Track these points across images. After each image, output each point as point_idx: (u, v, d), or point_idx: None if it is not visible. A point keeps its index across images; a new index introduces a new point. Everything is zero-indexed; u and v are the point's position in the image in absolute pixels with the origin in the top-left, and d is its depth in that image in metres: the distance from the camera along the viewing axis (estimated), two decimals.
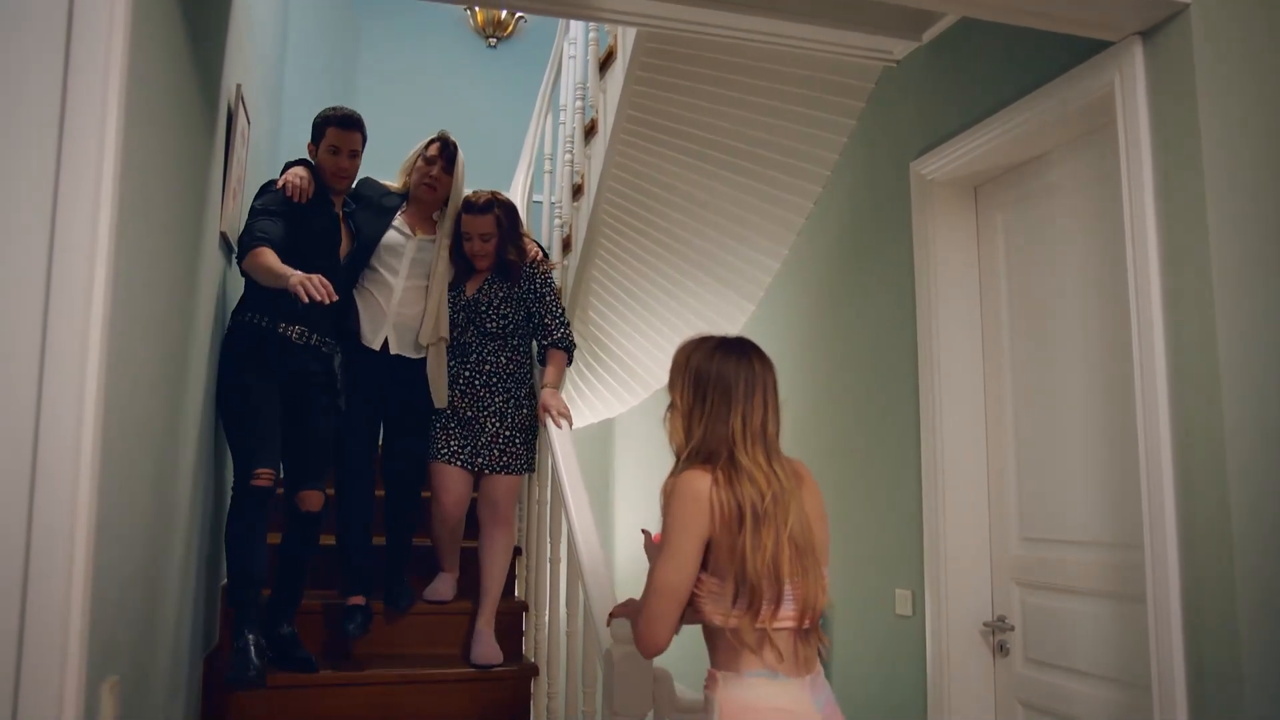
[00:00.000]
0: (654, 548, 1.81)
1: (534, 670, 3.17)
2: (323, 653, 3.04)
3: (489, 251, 3.21)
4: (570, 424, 3.12)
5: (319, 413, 2.91)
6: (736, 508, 1.62)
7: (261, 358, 2.76)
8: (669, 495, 1.67)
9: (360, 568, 3.10)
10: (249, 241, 2.70)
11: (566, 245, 4.47)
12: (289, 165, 2.96)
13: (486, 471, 3.17)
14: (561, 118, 4.52)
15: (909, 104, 2.96)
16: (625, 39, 3.35)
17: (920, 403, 2.80)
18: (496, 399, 3.18)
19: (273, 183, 2.90)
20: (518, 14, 6.46)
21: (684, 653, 2.20)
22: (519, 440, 3.20)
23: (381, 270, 3.19)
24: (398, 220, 3.26)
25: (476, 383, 3.19)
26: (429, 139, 3.32)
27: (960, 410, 2.74)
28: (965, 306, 2.79)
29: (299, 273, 2.56)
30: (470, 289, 3.25)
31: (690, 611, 1.69)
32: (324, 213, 2.96)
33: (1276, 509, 1.87)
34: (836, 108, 3.18)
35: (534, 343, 3.33)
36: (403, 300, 3.18)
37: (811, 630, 1.69)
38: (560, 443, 3.02)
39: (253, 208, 2.84)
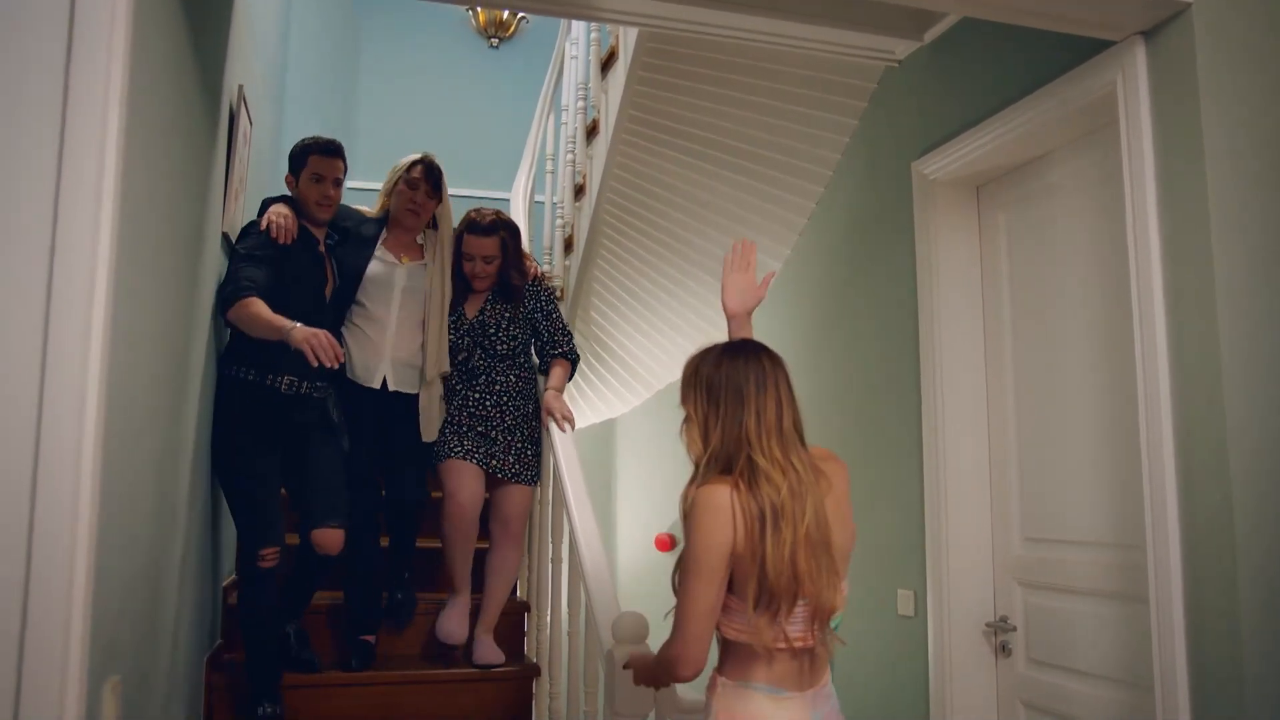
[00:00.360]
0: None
1: (536, 670, 3.16)
2: (327, 654, 3.03)
3: (491, 273, 3.11)
4: (573, 427, 3.11)
5: (319, 445, 2.82)
6: (758, 511, 1.58)
7: (254, 417, 2.66)
8: (690, 510, 1.63)
9: (369, 613, 3.06)
10: (234, 291, 2.58)
11: (568, 245, 4.48)
12: (268, 202, 2.86)
13: (500, 476, 3.09)
14: (563, 118, 4.52)
15: (911, 104, 2.96)
16: (627, 39, 3.35)
17: (922, 403, 2.80)
18: (507, 418, 3.11)
19: (254, 224, 2.77)
20: (519, 14, 6.46)
21: None
22: (530, 452, 3.14)
23: (370, 305, 3.03)
24: (379, 250, 3.09)
25: (487, 403, 3.10)
26: (410, 160, 3.12)
27: (962, 410, 2.73)
28: (967, 306, 2.79)
29: (301, 327, 2.46)
30: (471, 311, 3.14)
31: None
32: (308, 251, 2.85)
33: (1279, 508, 1.87)
34: (838, 108, 3.18)
35: (533, 353, 3.28)
36: (398, 333, 3.03)
37: (821, 639, 1.64)
38: (562, 443, 3.02)
39: (234, 251, 2.73)
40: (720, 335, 1.91)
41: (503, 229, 3.09)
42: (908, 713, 2.80)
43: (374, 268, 3.06)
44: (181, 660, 2.37)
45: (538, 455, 3.18)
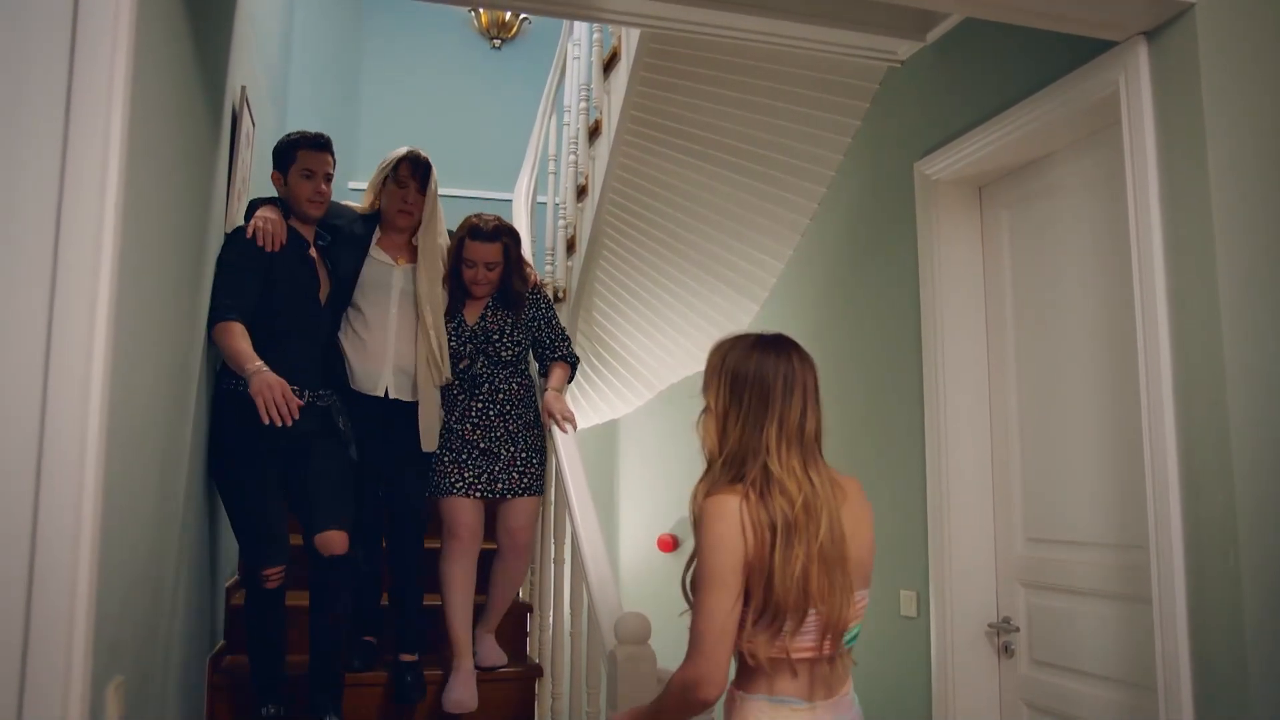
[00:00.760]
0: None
1: (538, 671, 3.17)
2: None
3: (492, 280, 3.05)
4: (575, 427, 3.09)
5: (322, 454, 2.71)
6: (769, 522, 1.52)
7: (252, 433, 2.50)
8: (698, 520, 1.57)
9: (371, 614, 3.05)
10: (215, 315, 2.50)
11: (571, 246, 4.48)
12: (255, 204, 2.76)
13: (508, 496, 3.02)
14: (566, 119, 4.53)
15: (914, 104, 2.96)
16: (629, 40, 3.35)
17: (925, 403, 2.79)
18: (511, 426, 3.06)
19: (241, 230, 2.64)
20: (522, 15, 6.46)
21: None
22: (535, 461, 3.09)
23: (369, 309, 2.93)
24: (374, 250, 2.99)
25: (490, 412, 3.04)
26: (396, 157, 3.00)
27: (965, 410, 2.73)
28: (970, 306, 2.78)
29: (261, 373, 2.40)
30: (471, 317, 3.08)
31: None
32: (298, 255, 2.73)
33: None
34: (841, 108, 3.18)
35: (532, 358, 3.26)
36: (399, 338, 2.94)
37: (835, 654, 1.60)
38: (564, 444, 3.02)
39: (221, 261, 2.59)
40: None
41: (505, 235, 3.04)
42: (910, 714, 2.80)
43: (371, 269, 2.98)
44: (183, 661, 2.37)
45: (541, 465, 3.13)
